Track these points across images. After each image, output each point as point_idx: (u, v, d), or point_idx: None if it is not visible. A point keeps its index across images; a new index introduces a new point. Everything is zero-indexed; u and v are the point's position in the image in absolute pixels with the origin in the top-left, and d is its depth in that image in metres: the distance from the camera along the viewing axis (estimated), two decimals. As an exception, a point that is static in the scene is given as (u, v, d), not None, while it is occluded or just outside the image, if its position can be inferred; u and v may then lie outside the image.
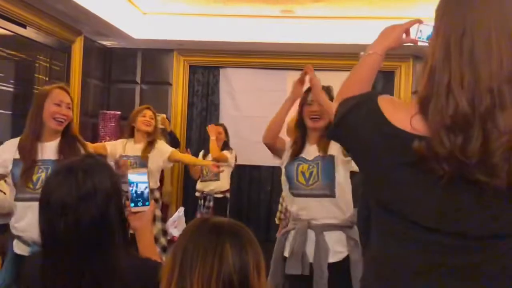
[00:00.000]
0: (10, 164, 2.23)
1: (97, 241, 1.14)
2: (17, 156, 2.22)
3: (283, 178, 2.42)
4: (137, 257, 1.29)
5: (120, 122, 5.73)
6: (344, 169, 2.31)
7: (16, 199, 2.22)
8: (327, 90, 2.46)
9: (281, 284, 2.39)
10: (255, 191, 6.13)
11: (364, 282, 1.19)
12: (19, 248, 2.25)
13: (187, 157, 4.13)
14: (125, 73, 6.16)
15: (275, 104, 6.73)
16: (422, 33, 1.25)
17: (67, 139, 2.29)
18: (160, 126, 4.83)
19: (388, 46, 1.28)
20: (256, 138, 5.67)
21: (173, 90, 6.09)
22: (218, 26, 5.42)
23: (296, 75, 7.13)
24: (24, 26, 4.25)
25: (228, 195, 4.84)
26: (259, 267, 0.96)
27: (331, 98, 2.33)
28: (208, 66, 6.22)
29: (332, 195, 2.28)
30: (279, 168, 2.53)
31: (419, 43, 1.29)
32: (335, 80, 6.93)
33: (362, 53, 1.27)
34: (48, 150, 2.25)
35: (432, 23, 1.08)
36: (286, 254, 2.34)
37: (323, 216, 2.28)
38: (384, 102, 1.05)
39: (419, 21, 1.26)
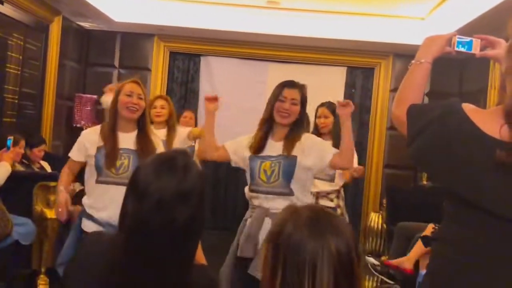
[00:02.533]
0: (94, 151, 2.43)
1: (182, 245, 1.11)
2: (101, 143, 2.44)
3: (247, 175, 2.48)
4: (199, 266, 1.25)
5: (96, 107, 5.63)
6: (304, 172, 2.39)
7: (98, 182, 2.41)
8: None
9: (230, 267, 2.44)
10: (233, 182, 6.12)
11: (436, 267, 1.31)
12: (89, 226, 2.40)
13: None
14: (103, 57, 6.05)
15: (255, 95, 6.76)
16: (458, 44, 1.39)
17: (143, 133, 2.48)
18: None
19: (434, 55, 1.39)
20: (235, 128, 5.68)
21: (152, 76, 6.01)
22: (202, 13, 5.36)
23: (277, 67, 7.16)
24: (1, 2, 4.12)
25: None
26: (357, 251, 0.98)
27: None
28: (189, 53, 6.15)
29: (290, 193, 2.37)
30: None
31: (457, 53, 1.42)
32: (317, 74, 6.97)
33: (412, 61, 1.39)
34: (127, 139, 2.45)
35: (467, 37, 1.31)
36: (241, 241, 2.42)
37: (281, 207, 2.29)
38: (471, 112, 1.19)
39: (455, 34, 1.39)
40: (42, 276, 3.71)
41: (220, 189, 6.22)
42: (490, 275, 1.19)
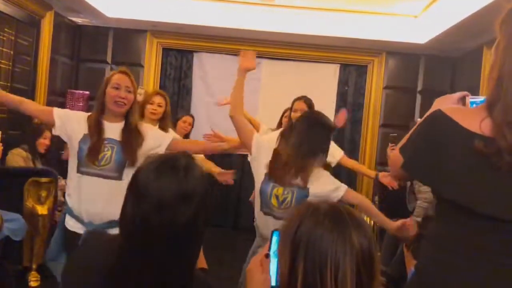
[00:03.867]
0: (78, 136, 2.34)
1: (183, 247, 1.08)
2: (87, 131, 2.35)
3: (257, 184, 2.39)
4: (199, 273, 1.22)
5: (88, 103, 5.59)
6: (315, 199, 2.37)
7: (79, 172, 2.32)
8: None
9: None
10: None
11: (424, 259, 1.35)
12: (70, 223, 2.36)
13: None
14: (95, 52, 6.01)
15: (248, 92, 6.70)
16: (472, 104, 1.42)
17: (130, 125, 2.38)
18: (142, 99, 4.74)
19: None
20: (227, 125, 5.67)
21: (144, 72, 5.98)
22: (195, 9, 5.33)
23: (271, 64, 7.12)
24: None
25: None
26: (376, 246, 0.97)
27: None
28: (182, 50, 6.13)
29: None
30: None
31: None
32: (310, 71, 6.95)
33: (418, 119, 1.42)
34: (113, 130, 2.36)
35: (479, 97, 1.36)
36: None
37: None
38: (451, 111, 1.24)
39: (467, 95, 1.43)
40: (33, 272, 3.70)
41: (213, 186, 6.21)
42: (475, 274, 1.20)
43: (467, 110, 1.29)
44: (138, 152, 2.33)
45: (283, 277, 0.95)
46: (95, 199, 2.29)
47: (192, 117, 4.56)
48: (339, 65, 6.07)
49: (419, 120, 1.40)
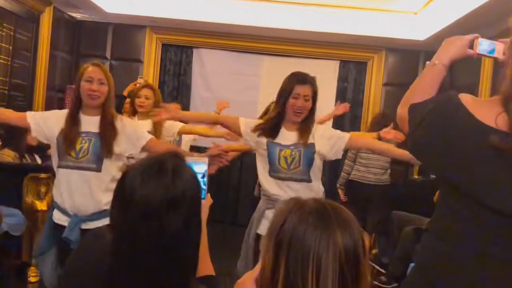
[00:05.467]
0: (56, 131, 2.37)
1: (173, 254, 1.02)
2: (64, 126, 2.38)
3: (262, 160, 2.49)
4: (198, 285, 1.16)
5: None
6: (319, 158, 2.48)
7: (59, 166, 2.37)
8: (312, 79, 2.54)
9: (252, 259, 2.48)
10: (224, 174, 6.12)
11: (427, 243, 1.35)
12: (57, 217, 2.41)
13: (198, 128, 3.83)
14: (94, 48, 5.99)
15: (248, 88, 6.71)
16: (481, 47, 1.36)
17: (106, 117, 2.40)
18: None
19: (452, 58, 1.38)
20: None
21: (144, 68, 5.98)
22: (194, 5, 5.32)
23: (270, 60, 7.11)
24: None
25: None
26: (364, 244, 0.95)
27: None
28: (181, 45, 6.11)
29: (309, 180, 2.44)
30: (248, 151, 2.53)
31: (479, 56, 1.39)
32: (310, 67, 6.98)
33: (428, 62, 1.37)
34: (91, 123, 2.39)
35: (490, 41, 1.30)
36: (259, 231, 2.47)
37: (301, 194, 2.32)
38: (468, 101, 1.21)
39: (477, 36, 1.37)
40: (32, 268, 3.70)
41: (212, 183, 6.21)
42: (478, 268, 1.20)
43: (483, 102, 1.26)
44: (114, 144, 2.36)
45: (266, 273, 0.94)
46: (76, 192, 2.34)
47: (179, 104, 4.59)
48: (338, 61, 6.06)
49: (428, 63, 1.38)
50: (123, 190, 1.04)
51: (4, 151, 4.03)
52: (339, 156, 2.54)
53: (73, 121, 2.37)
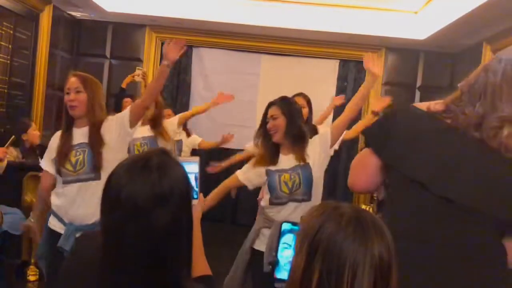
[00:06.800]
0: (55, 152, 2.39)
1: (164, 253, 1.00)
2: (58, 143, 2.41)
3: (264, 189, 2.53)
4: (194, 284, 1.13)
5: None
6: (320, 169, 2.50)
7: (64, 182, 2.37)
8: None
9: (241, 277, 2.53)
10: (224, 175, 6.11)
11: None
12: (53, 223, 2.42)
13: (193, 110, 4.19)
14: (94, 47, 5.99)
15: (247, 87, 6.69)
16: None
17: (93, 127, 2.39)
18: (140, 80, 4.75)
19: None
20: (227, 120, 5.66)
21: (143, 67, 5.96)
22: (194, 4, 5.32)
23: (270, 59, 7.10)
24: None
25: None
26: (395, 255, 0.95)
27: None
28: (181, 45, 6.10)
29: (309, 199, 2.45)
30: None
31: None
32: (310, 67, 6.89)
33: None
34: (81, 134, 2.39)
35: None
36: (255, 246, 2.49)
37: (297, 217, 2.33)
38: (419, 105, 1.34)
39: None
40: (32, 266, 3.70)
41: (205, 181, 6.22)
42: (443, 267, 1.21)
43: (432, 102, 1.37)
44: (104, 150, 2.35)
45: (296, 274, 0.94)
46: (76, 203, 2.35)
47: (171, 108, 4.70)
48: (338, 60, 6.06)
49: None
50: (109, 191, 1.02)
51: (7, 150, 4.03)
52: (333, 151, 2.61)
53: (65, 136, 2.40)
